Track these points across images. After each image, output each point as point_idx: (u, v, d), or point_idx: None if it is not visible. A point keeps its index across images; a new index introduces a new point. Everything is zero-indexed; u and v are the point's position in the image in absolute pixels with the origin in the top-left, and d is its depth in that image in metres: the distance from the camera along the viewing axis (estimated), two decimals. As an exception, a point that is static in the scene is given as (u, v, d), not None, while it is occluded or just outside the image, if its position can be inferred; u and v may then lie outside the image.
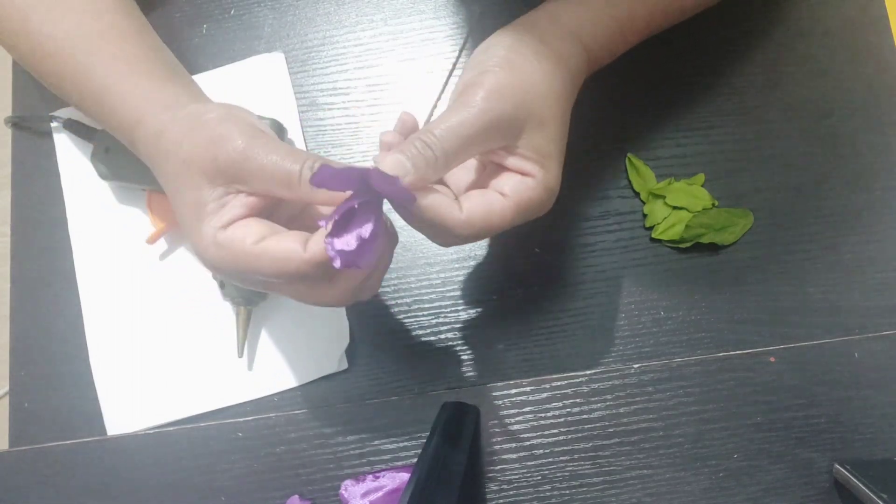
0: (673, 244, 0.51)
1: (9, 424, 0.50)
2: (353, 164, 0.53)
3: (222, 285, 0.49)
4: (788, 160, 0.53)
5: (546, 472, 0.47)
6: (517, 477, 0.47)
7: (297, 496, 0.47)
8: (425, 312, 0.51)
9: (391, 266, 0.51)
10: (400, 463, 0.48)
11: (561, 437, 0.48)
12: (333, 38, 0.55)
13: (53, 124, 0.53)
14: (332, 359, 0.50)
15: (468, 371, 0.50)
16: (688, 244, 0.51)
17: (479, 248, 0.52)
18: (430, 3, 0.56)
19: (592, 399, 0.48)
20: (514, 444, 0.48)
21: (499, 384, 0.48)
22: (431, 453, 0.42)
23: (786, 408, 0.48)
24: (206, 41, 0.55)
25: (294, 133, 0.53)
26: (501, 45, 0.39)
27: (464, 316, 0.51)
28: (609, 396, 0.48)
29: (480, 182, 0.40)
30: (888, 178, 0.53)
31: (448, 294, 0.51)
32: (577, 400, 0.48)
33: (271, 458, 0.48)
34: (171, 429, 0.48)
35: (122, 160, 0.49)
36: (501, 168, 0.39)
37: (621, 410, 0.48)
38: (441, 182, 0.41)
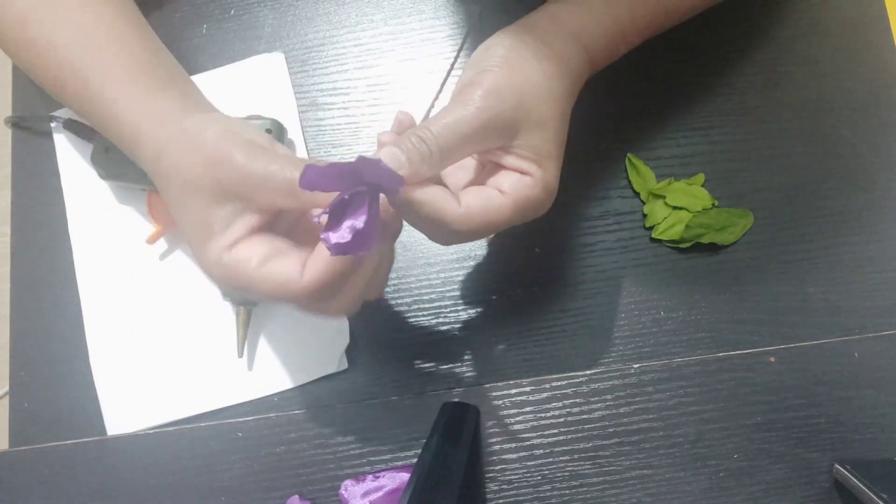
0: (673, 244, 0.51)
1: (9, 424, 0.50)
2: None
3: (222, 285, 0.49)
4: (788, 160, 0.53)
5: (546, 472, 0.47)
6: (517, 477, 0.47)
7: (297, 496, 0.47)
8: (425, 312, 0.51)
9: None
10: (400, 463, 0.48)
11: (561, 437, 0.48)
12: (333, 38, 0.55)
13: (53, 124, 0.53)
14: (332, 359, 0.50)
15: (468, 371, 0.50)
16: (688, 244, 0.51)
17: (478, 248, 0.52)
18: (430, 3, 0.56)
19: (592, 399, 0.48)
20: (514, 444, 0.48)
21: (499, 384, 0.48)
22: (431, 453, 0.42)
23: (786, 408, 0.48)
24: (206, 41, 0.55)
25: (294, 133, 0.53)
26: (501, 45, 0.39)
27: (464, 316, 0.51)
28: (609, 396, 0.48)
29: (479, 182, 0.40)
30: (888, 178, 0.53)
31: (448, 294, 0.51)
32: (577, 400, 0.48)
33: (271, 458, 0.48)
34: (171, 429, 0.48)
35: (122, 160, 0.49)
36: (500, 167, 0.39)
37: (621, 410, 0.48)
38: (439, 182, 0.41)
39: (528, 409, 0.48)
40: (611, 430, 0.48)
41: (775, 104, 0.54)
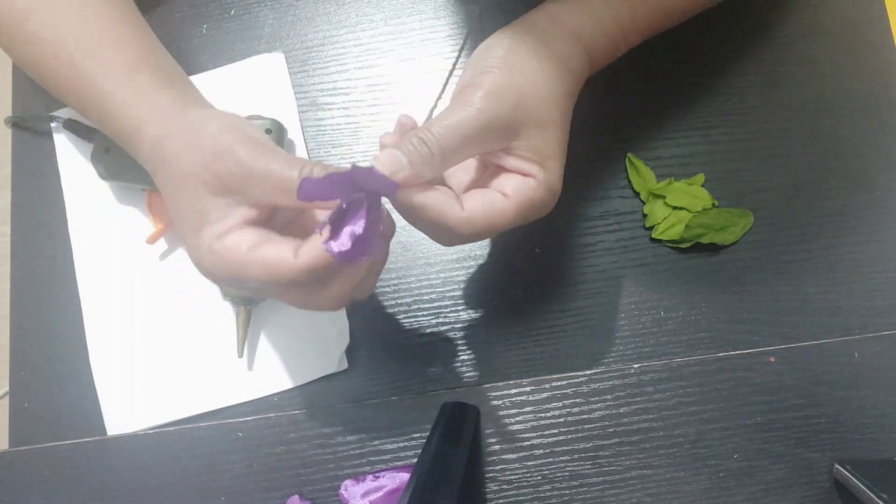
0: (673, 244, 0.51)
1: (9, 424, 0.50)
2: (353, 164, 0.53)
3: (222, 285, 0.49)
4: (788, 160, 0.53)
5: (546, 472, 0.47)
6: (517, 477, 0.47)
7: (297, 496, 0.47)
8: (425, 312, 0.51)
9: (391, 266, 0.51)
10: (400, 463, 0.48)
11: (561, 437, 0.48)
12: (333, 38, 0.55)
13: (53, 124, 0.53)
14: (332, 359, 0.50)
15: (468, 371, 0.50)
16: (688, 244, 0.51)
17: (479, 248, 0.52)
18: (430, 3, 0.56)
19: (592, 399, 0.48)
20: (514, 444, 0.48)
21: (499, 384, 0.48)
22: (431, 453, 0.42)
23: (786, 408, 0.48)
24: (206, 41, 0.55)
25: (294, 133, 0.53)
26: (501, 46, 0.39)
27: (464, 316, 0.51)
28: (609, 396, 0.48)
29: (481, 183, 0.40)
30: (888, 178, 0.53)
31: (448, 294, 0.51)
32: (577, 400, 0.48)
33: (271, 458, 0.48)
34: (171, 429, 0.48)
35: (122, 160, 0.49)
36: (502, 169, 0.39)
37: (621, 410, 0.48)
38: (442, 183, 0.41)
39: (528, 409, 0.48)
40: (611, 430, 0.48)
41: (775, 104, 0.54)
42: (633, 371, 0.48)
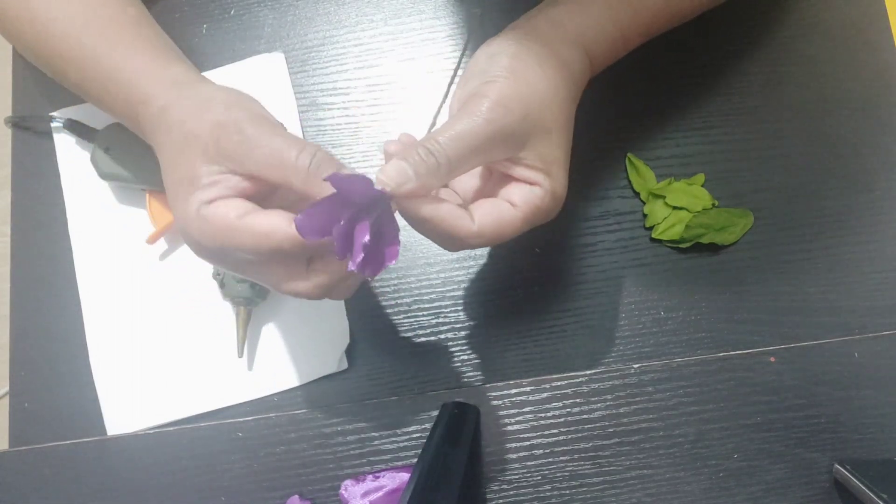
0: (673, 244, 0.51)
1: (9, 424, 0.50)
2: (353, 164, 0.53)
3: (222, 285, 0.49)
4: (788, 160, 0.53)
5: (546, 472, 0.47)
6: (517, 477, 0.47)
7: (297, 496, 0.47)
8: (425, 312, 0.51)
9: (392, 266, 0.51)
10: (400, 463, 0.48)
11: (561, 437, 0.48)
12: (333, 38, 0.55)
13: (53, 124, 0.53)
14: (332, 359, 0.50)
15: (468, 371, 0.50)
16: (688, 244, 0.51)
17: (479, 249, 0.52)
18: (430, 3, 0.56)
19: (592, 399, 0.48)
20: (514, 444, 0.48)
21: (499, 384, 0.48)
22: (431, 453, 0.42)
23: (786, 408, 0.48)
24: (206, 41, 0.55)
25: (294, 133, 0.53)
26: (506, 54, 0.38)
27: (464, 316, 0.51)
28: (609, 396, 0.48)
29: (487, 189, 0.40)
30: (888, 178, 0.53)
31: (448, 294, 0.51)
32: (577, 400, 0.48)
33: (271, 458, 0.48)
34: (171, 429, 0.48)
35: (122, 160, 0.49)
36: (508, 177, 0.38)
37: (621, 410, 0.48)
38: (446, 187, 0.41)
39: (528, 409, 0.48)
40: (611, 430, 0.48)
41: (775, 104, 0.54)
42: (633, 371, 0.48)
